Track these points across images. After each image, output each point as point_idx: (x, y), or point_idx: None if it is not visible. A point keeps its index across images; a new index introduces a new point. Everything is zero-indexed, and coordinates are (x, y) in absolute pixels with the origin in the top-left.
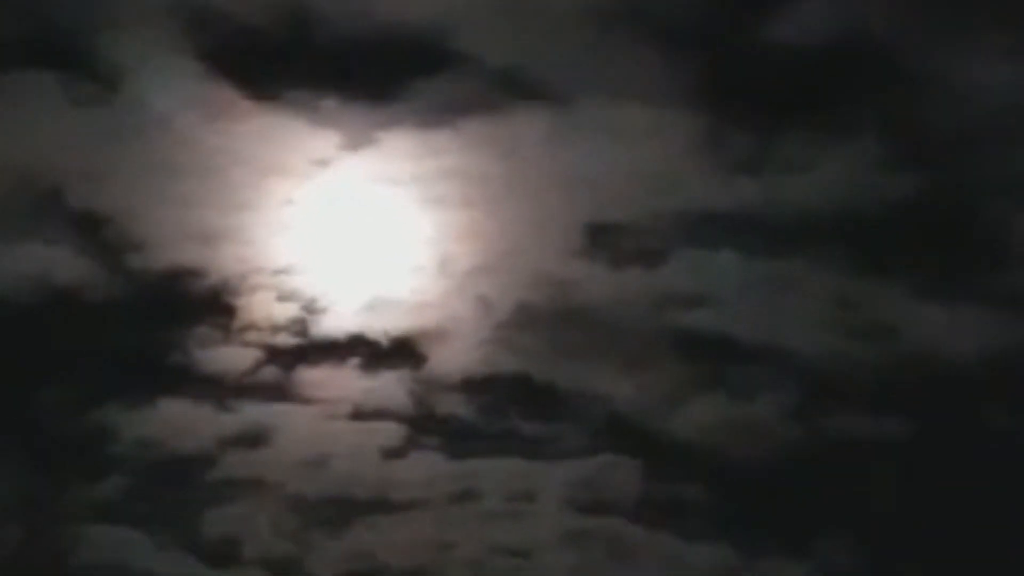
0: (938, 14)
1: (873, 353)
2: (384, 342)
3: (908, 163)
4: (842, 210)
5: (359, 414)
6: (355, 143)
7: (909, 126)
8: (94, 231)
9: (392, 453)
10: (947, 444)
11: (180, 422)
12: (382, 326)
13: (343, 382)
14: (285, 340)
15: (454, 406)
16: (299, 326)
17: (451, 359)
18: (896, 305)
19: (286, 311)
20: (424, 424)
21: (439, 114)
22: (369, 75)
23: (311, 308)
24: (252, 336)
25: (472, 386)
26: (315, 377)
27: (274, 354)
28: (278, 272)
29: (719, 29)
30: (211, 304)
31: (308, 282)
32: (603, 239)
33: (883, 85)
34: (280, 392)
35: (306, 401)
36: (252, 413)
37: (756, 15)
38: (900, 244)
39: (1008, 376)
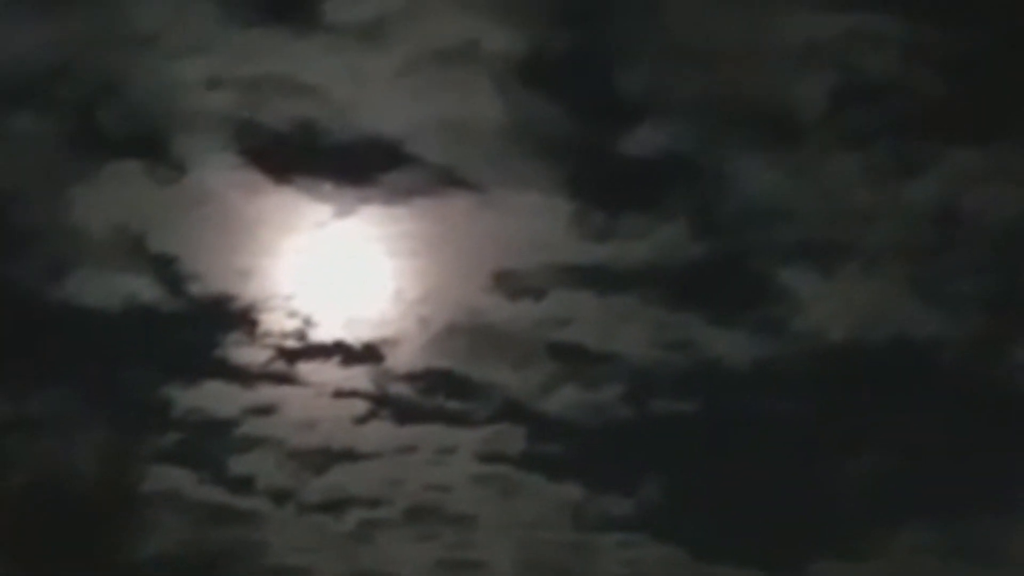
0: (726, 138)
1: (679, 360)
2: (356, 346)
3: (705, 235)
4: (661, 266)
5: (338, 393)
6: (343, 213)
7: (706, 211)
8: (165, 267)
9: (359, 420)
10: (725, 418)
11: (217, 397)
12: (355, 335)
13: (328, 372)
14: (290, 343)
15: (401, 390)
16: (300, 334)
17: (401, 358)
18: (694, 328)
19: (291, 323)
20: (381, 401)
21: (398, 195)
22: (352, 167)
23: (308, 322)
24: (267, 340)
25: (414, 377)
26: (309, 369)
27: (282, 352)
28: (287, 297)
29: (584, 143)
30: (241, 317)
31: (307, 304)
32: (504, 281)
33: (691, 183)
34: (285, 378)
35: (303, 385)
36: (266, 392)
37: (609, 135)
38: (698, 288)
39: (765, 375)
